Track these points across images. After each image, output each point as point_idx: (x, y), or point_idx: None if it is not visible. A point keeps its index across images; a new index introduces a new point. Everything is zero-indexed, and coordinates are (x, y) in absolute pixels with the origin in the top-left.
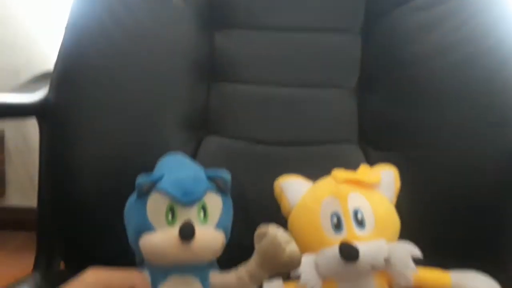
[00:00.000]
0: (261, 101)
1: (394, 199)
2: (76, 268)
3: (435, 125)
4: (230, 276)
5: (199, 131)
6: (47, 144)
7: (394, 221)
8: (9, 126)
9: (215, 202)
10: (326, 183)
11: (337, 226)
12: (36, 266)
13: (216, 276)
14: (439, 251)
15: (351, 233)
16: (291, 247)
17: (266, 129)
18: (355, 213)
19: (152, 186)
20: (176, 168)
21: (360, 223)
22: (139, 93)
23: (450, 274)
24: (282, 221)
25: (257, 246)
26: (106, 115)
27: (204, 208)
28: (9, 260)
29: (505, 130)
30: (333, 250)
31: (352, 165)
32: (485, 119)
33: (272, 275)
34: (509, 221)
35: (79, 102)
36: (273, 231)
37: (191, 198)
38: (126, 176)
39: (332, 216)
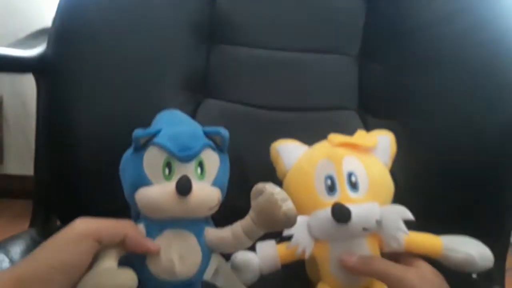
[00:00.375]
0: (261, 65)
1: (389, 164)
2: None
3: (435, 93)
4: (226, 231)
5: (198, 94)
6: (44, 101)
7: (388, 185)
8: (8, 93)
9: (212, 159)
10: (321, 147)
11: (331, 188)
12: (32, 223)
13: (211, 232)
14: (432, 218)
15: (345, 196)
16: (288, 205)
17: (266, 94)
18: (349, 176)
19: (149, 140)
20: (174, 123)
21: (354, 186)
22: (139, 51)
23: (441, 238)
24: (278, 184)
25: (253, 202)
26: (105, 73)
27: (201, 164)
28: (7, 228)
29: (504, 100)
30: (326, 212)
31: (350, 132)
32: (485, 88)
33: (268, 231)
34: (503, 190)
35: (78, 58)
36: (271, 188)
37: (189, 154)
38: (123, 135)
39: (326, 179)
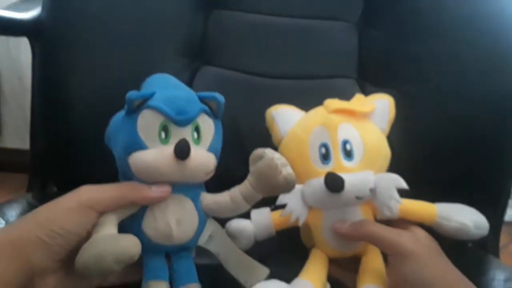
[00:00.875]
0: (260, 31)
1: (387, 129)
2: (68, 191)
3: (435, 61)
4: (223, 196)
5: (195, 61)
6: (38, 66)
7: (383, 153)
8: (4, 67)
9: (208, 125)
10: (317, 113)
11: (325, 157)
12: (29, 189)
13: (208, 196)
14: (427, 186)
15: (339, 164)
16: (288, 170)
17: (263, 61)
18: (344, 144)
19: (143, 102)
20: (167, 86)
21: (348, 154)
22: (135, 17)
23: (436, 206)
24: (275, 149)
25: (252, 167)
26: (100, 38)
27: (197, 129)
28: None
29: (504, 70)
30: (319, 181)
31: (349, 100)
32: (486, 57)
33: (266, 196)
34: (500, 159)
35: (72, 23)
36: (271, 153)
37: (186, 117)
38: (118, 101)
39: (320, 147)
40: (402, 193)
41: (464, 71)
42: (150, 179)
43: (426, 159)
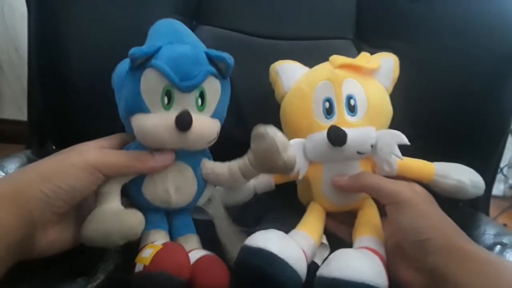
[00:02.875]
0: None
1: (390, 87)
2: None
3: (434, 22)
4: (222, 167)
5: (191, 20)
6: (34, 23)
7: (386, 110)
8: (0, 38)
9: (214, 88)
10: (322, 68)
11: (329, 111)
12: (28, 146)
13: (208, 165)
14: (425, 145)
15: (342, 119)
16: (288, 153)
17: (261, 21)
18: (348, 99)
19: (147, 60)
20: (174, 39)
21: (352, 109)
22: None
23: (434, 165)
24: (274, 111)
25: (253, 145)
26: None
27: (202, 95)
28: None
29: (503, 34)
30: (322, 135)
31: None
32: (486, 18)
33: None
34: (495, 120)
35: None
36: (272, 133)
37: (191, 83)
38: (115, 59)
39: (324, 101)
40: (402, 150)
41: (464, 32)
42: (150, 145)
43: (423, 118)
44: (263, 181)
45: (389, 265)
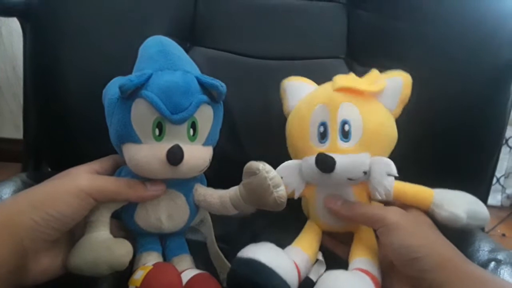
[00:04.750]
0: (249, 12)
1: (398, 109)
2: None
3: (424, 41)
4: (214, 196)
5: (186, 42)
6: (30, 47)
7: (386, 135)
8: None
9: (206, 116)
10: (323, 89)
11: (323, 135)
12: (23, 169)
13: (200, 191)
14: (412, 166)
15: (334, 144)
16: (279, 192)
17: (253, 42)
18: (343, 124)
19: (137, 90)
20: (164, 63)
21: (346, 135)
22: (126, 1)
23: (434, 192)
24: (267, 130)
25: (245, 180)
26: (89, 19)
27: (194, 125)
28: None
29: (489, 48)
30: (312, 159)
31: None
32: (474, 36)
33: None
34: (488, 136)
35: (62, 4)
36: (265, 171)
37: (182, 117)
38: (109, 80)
39: (319, 125)
40: (404, 173)
41: (452, 50)
42: (142, 175)
43: (415, 138)
44: None
45: (386, 285)
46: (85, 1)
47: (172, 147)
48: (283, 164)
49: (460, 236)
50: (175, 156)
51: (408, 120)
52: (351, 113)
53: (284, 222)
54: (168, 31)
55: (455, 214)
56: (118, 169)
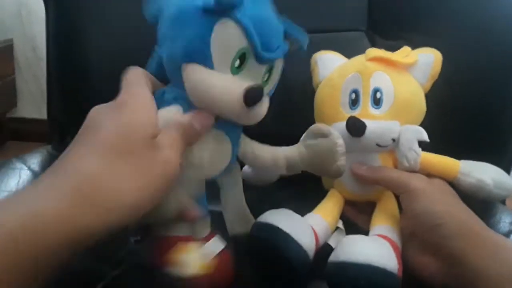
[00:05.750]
0: None
1: (428, 84)
2: None
3: (448, 13)
4: (264, 151)
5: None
6: (52, 23)
7: (416, 106)
8: (18, 37)
9: (279, 66)
10: (356, 60)
11: (354, 102)
12: (48, 141)
13: (248, 144)
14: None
15: (365, 111)
16: (342, 161)
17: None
18: (375, 92)
19: (230, 8)
20: None
21: (377, 102)
22: None
23: (460, 162)
24: (297, 104)
25: (311, 142)
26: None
27: (270, 70)
28: None
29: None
30: (343, 124)
31: (359, 53)
32: (497, 10)
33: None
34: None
35: None
36: (336, 137)
37: (270, 56)
38: (136, 56)
39: (351, 92)
40: (427, 147)
41: (476, 23)
42: (202, 106)
43: (442, 111)
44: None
45: (406, 253)
46: None
47: (254, 88)
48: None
49: (481, 208)
50: (254, 98)
51: (436, 92)
52: (384, 82)
53: (304, 194)
54: None
55: (482, 181)
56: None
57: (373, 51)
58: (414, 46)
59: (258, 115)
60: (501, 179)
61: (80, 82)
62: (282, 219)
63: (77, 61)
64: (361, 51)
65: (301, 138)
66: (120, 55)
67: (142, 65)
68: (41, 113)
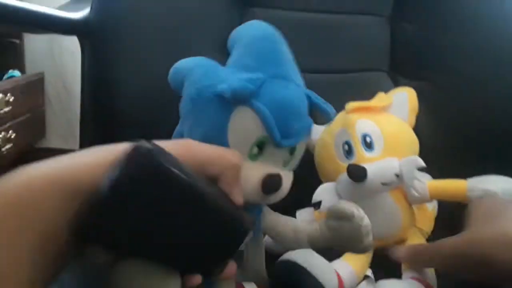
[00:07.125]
0: (293, 27)
1: (410, 118)
2: None
3: (467, 52)
4: (286, 226)
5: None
6: (88, 64)
7: (406, 139)
8: (49, 70)
9: (303, 146)
10: (339, 117)
11: (348, 152)
12: None
13: (269, 218)
14: (458, 172)
15: (361, 156)
16: (369, 239)
17: (297, 56)
18: (364, 137)
19: (249, 96)
20: (276, 66)
21: (369, 146)
22: (175, 15)
23: (467, 181)
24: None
25: (333, 223)
26: (145, 34)
27: (293, 150)
28: None
29: None
30: (345, 174)
31: (381, 91)
32: None
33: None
34: None
35: (120, 21)
36: (359, 218)
37: (291, 142)
38: (167, 94)
39: (343, 145)
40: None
41: (496, 63)
42: None
43: (457, 146)
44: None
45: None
46: (139, 20)
47: (272, 176)
48: (320, 186)
49: None
50: (273, 186)
51: (453, 128)
52: (368, 126)
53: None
54: (215, 47)
55: (488, 190)
56: None
57: (351, 104)
58: (438, 86)
59: (278, 197)
60: (511, 187)
61: (111, 119)
62: (301, 256)
63: (109, 99)
64: (384, 91)
65: (322, 221)
66: (149, 95)
67: (171, 108)
68: (68, 143)
